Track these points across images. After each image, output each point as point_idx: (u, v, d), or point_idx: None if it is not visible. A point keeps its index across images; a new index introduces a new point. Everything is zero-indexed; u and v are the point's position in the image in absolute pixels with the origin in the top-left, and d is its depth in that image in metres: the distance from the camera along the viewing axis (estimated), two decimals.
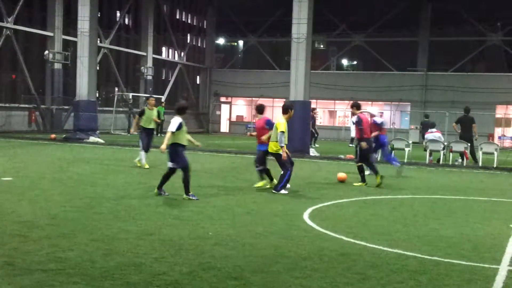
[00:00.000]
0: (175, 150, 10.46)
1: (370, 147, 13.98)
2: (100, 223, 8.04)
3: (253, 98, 44.94)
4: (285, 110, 12.25)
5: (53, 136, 26.18)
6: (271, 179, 12.44)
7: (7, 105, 30.70)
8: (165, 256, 6.37)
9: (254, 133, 12.77)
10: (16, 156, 17.45)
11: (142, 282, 5.46)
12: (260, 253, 6.76)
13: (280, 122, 11.83)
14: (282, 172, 11.95)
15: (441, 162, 20.33)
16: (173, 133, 10.38)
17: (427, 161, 20.52)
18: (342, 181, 14.27)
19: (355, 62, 48.99)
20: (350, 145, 30.27)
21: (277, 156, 11.95)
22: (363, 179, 13.78)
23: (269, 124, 12.38)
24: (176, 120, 10.48)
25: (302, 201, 10.86)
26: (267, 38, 45.01)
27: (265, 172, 12.49)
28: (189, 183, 10.51)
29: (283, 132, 11.71)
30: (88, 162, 16.72)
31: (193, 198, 10.45)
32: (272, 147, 11.97)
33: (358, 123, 13.68)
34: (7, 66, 32.13)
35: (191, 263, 6.16)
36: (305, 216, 9.28)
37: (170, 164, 10.58)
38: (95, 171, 14.46)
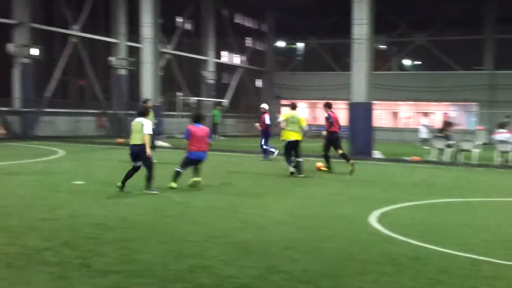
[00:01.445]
0: (144, 151, 11.21)
1: (336, 138, 16.37)
2: (169, 225, 8.19)
3: (314, 101, 44.76)
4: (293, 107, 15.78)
5: (120, 140, 26.80)
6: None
7: (75, 110, 31.73)
8: (233, 259, 6.42)
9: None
10: (86, 160, 17.97)
11: (213, 284, 5.53)
12: (328, 257, 6.72)
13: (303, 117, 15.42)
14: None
15: (511, 163, 19.67)
16: (150, 135, 11.29)
17: (496, 163, 19.89)
18: (319, 169, 16.35)
19: (417, 62, 48.02)
20: (425, 147, 29.61)
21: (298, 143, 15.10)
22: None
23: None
24: (149, 123, 11.36)
25: (369, 204, 10.71)
26: (327, 39, 44.73)
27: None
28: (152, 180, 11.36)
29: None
30: (155, 166, 16.99)
31: (154, 192, 11.19)
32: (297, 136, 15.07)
33: (327, 118, 16.34)
34: (75, 73, 33.19)
35: (260, 266, 6.19)
36: (373, 219, 9.16)
37: (137, 163, 11.42)
38: (162, 174, 14.66)
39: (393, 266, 6.36)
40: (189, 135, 12.14)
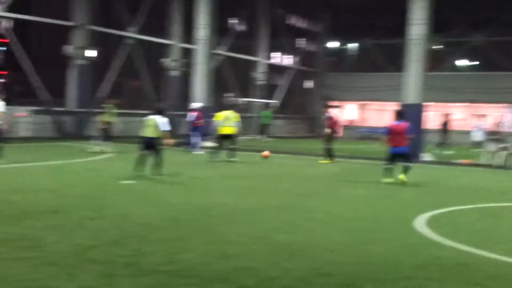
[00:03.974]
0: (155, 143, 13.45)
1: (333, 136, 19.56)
2: (214, 226, 8.26)
3: (365, 102, 44.33)
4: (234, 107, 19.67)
5: (170, 141, 27.16)
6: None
7: (129, 111, 32.31)
8: (278, 261, 6.43)
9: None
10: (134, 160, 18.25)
11: (255, 286, 5.55)
12: (374, 260, 6.66)
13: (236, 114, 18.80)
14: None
15: None
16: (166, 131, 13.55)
17: None
18: (265, 157, 19.06)
19: (473, 63, 46.88)
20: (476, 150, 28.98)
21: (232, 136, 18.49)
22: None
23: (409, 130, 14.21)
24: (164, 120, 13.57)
25: (417, 207, 10.54)
26: (381, 40, 44.17)
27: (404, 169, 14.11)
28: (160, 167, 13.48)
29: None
30: (203, 166, 17.23)
31: (161, 176, 13.13)
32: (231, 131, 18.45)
33: (329, 118, 19.55)
34: (129, 74, 33.82)
35: (304, 268, 6.18)
36: (420, 223, 9.01)
37: (147, 152, 13.55)
38: (208, 175, 14.84)
39: (439, 272, 6.25)
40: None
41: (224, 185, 12.87)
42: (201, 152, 21.27)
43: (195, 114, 22.02)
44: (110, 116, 20.97)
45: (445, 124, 28.89)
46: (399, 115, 14.40)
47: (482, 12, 38.76)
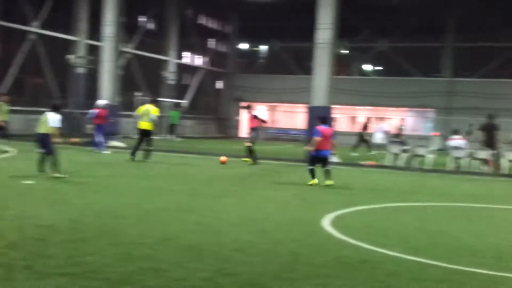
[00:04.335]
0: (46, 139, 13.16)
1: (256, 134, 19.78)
2: (120, 227, 8.06)
3: (274, 104, 44.90)
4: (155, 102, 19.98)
5: (75, 140, 26.37)
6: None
7: (30, 109, 31.03)
8: (184, 262, 6.36)
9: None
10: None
11: (160, 287, 5.45)
12: (280, 259, 6.72)
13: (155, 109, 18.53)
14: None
15: (463, 169, 20.09)
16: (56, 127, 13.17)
17: (449, 168, 20.29)
18: (223, 162, 18.61)
19: (378, 68, 48.64)
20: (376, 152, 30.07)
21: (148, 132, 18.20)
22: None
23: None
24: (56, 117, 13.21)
25: (324, 207, 10.77)
26: (290, 43, 44.92)
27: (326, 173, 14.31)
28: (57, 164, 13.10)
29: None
30: (108, 166, 16.84)
31: (61, 176, 12.86)
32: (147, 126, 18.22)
33: (256, 117, 19.68)
34: (31, 70, 32.47)
35: (211, 269, 6.14)
36: (325, 223, 9.21)
37: (42, 150, 13.27)
38: (114, 175, 14.55)
39: (344, 270, 6.40)
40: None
41: (131, 186, 12.61)
42: (107, 151, 20.77)
43: (95, 111, 21.56)
44: (2, 113, 20.07)
45: (364, 127, 29.77)
46: (323, 120, 14.62)
47: (387, 19, 40.29)
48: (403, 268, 6.55)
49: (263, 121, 20.32)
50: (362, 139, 29.34)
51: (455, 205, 12.25)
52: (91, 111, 22.00)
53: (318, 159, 14.27)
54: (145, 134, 18.42)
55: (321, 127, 14.24)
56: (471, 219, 10.58)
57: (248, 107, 20.23)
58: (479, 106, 35.89)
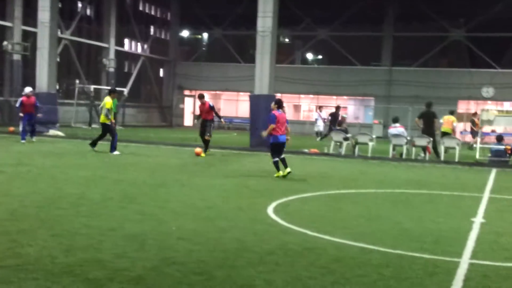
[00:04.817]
0: None
1: (208, 125, 18.90)
2: (61, 218, 7.87)
3: (218, 92, 44.77)
4: (112, 91, 18.88)
5: (11, 128, 25.61)
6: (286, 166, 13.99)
7: None
8: (127, 252, 6.26)
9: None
10: None
11: (104, 278, 5.35)
12: (224, 247, 6.71)
13: (107, 101, 17.77)
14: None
15: (404, 156, 20.58)
16: None
17: (390, 156, 20.74)
18: (198, 154, 18.27)
19: (320, 57, 49.15)
20: (318, 139, 30.41)
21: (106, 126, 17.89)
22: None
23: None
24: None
25: (266, 195, 10.83)
26: (232, 31, 44.80)
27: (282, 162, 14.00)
28: None
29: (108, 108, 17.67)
30: (48, 155, 16.41)
31: None
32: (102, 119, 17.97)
33: (211, 107, 19.11)
34: None
35: (155, 258, 6.07)
36: (269, 210, 9.26)
37: None
38: (55, 164, 14.20)
39: (288, 256, 6.43)
40: None
41: (71, 175, 12.32)
42: (23, 141, 20.16)
43: (20, 99, 20.99)
44: None
45: (334, 115, 29.22)
46: (279, 104, 14.29)
47: (327, 8, 40.71)
48: (346, 254, 6.65)
49: (217, 114, 19.71)
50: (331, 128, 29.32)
51: (396, 191, 12.54)
52: (18, 99, 21.43)
53: (277, 145, 13.95)
54: (103, 128, 18.29)
55: (277, 112, 13.97)
56: (411, 205, 10.84)
57: (200, 97, 19.47)
58: (419, 95, 36.85)
